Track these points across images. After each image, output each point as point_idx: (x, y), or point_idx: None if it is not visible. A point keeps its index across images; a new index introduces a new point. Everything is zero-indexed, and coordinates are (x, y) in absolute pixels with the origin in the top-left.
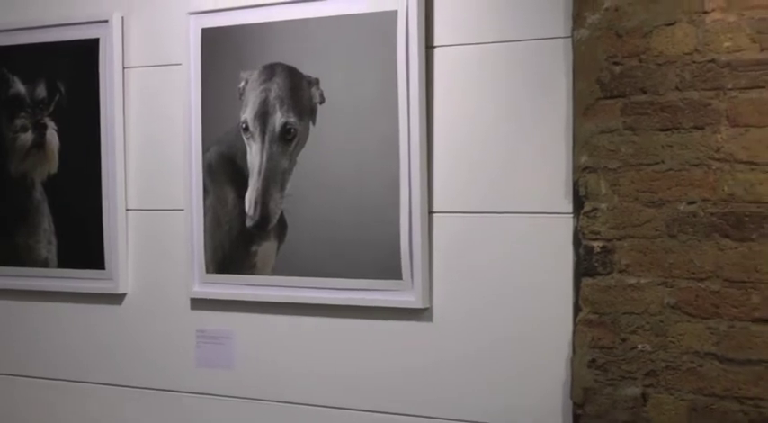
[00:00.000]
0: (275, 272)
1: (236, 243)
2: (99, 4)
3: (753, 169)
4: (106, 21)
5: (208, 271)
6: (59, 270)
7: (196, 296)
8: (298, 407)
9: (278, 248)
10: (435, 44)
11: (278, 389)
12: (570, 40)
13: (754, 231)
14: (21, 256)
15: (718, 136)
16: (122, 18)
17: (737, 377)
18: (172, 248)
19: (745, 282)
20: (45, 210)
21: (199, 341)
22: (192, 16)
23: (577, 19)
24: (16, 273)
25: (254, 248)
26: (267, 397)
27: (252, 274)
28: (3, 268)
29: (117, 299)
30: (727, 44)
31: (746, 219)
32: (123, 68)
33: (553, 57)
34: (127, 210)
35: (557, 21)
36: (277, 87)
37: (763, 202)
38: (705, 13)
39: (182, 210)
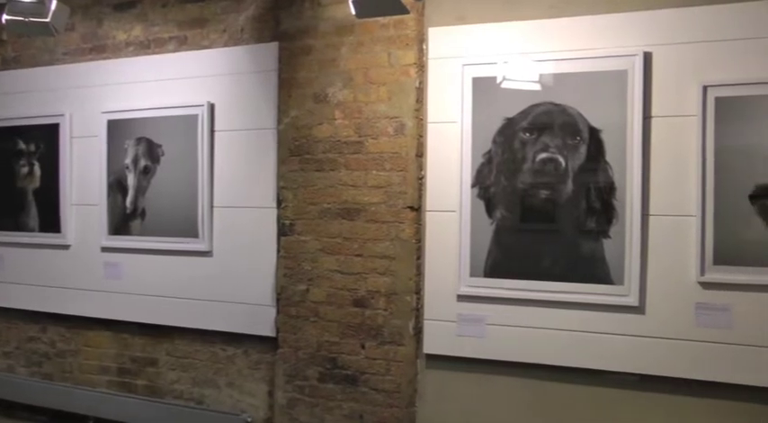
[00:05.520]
0: (141, 234)
1: (122, 220)
2: (55, 106)
3: (355, 188)
4: (61, 116)
5: (109, 233)
6: (40, 233)
7: (103, 245)
8: (149, 297)
9: (141, 223)
10: (216, 129)
11: (141, 287)
12: (277, 129)
13: (355, 216)
14: (21, 226)
15: (341, 174)
16: (70, 115)
17: (347, 280)
18: (92, 223)
19: (351, 238)
20: (33, 204)
21: (105, 267)
22: (103, 114)
23: (279, 119)
24: (20, 235)
25: (131, 223)
26: (135, 291)
27: (130, 235)
28: (13, 232)
29: (66, 247)
30: (345, 133)
31: (353, 211)
32: (71, 138)
33: (269, 136)
34: (71, 204)
35: (271, 119)
36: (142, 148)
37: (359, 203)
38: (335, 119)
39: (96, 205)
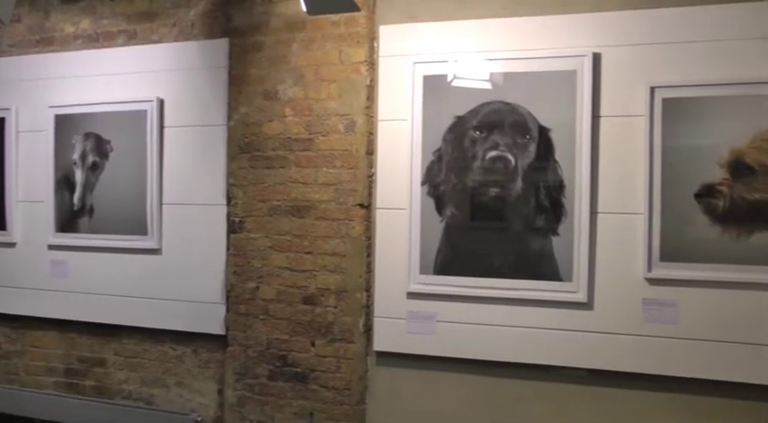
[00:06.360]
0: (89, 231)
1: (69, 218)
2: (0, 100)
3: (305, 186)
4: (6, 109)
5: (56, 231)
6: None
7: (50, 243)
8: (97, 296)
9: (89, 220)
10: (166, 125)
11: (89, 286)
12: (227, 126)
13: (305, 214)
14: None
15: (290, 171)
16: (16, 109)
17: (297, 277)
18: (39, 220)
19: (301, 236)
20: None
21: (52, 265)
22: (51, 108)
23: (230, 116)
24: None
25: (78, 220)
26: (82, 290)
27: (77, 232)
28: None
29: (11, 245)
30: (295, 130)
31: (302, 208)
32: (17, 132)
33: (219, 133)
34: (17, 201)
35: (221, 116)
36: (90, 143)
37: (309, 200)
38: (285, 116)
39: (43, 201)
